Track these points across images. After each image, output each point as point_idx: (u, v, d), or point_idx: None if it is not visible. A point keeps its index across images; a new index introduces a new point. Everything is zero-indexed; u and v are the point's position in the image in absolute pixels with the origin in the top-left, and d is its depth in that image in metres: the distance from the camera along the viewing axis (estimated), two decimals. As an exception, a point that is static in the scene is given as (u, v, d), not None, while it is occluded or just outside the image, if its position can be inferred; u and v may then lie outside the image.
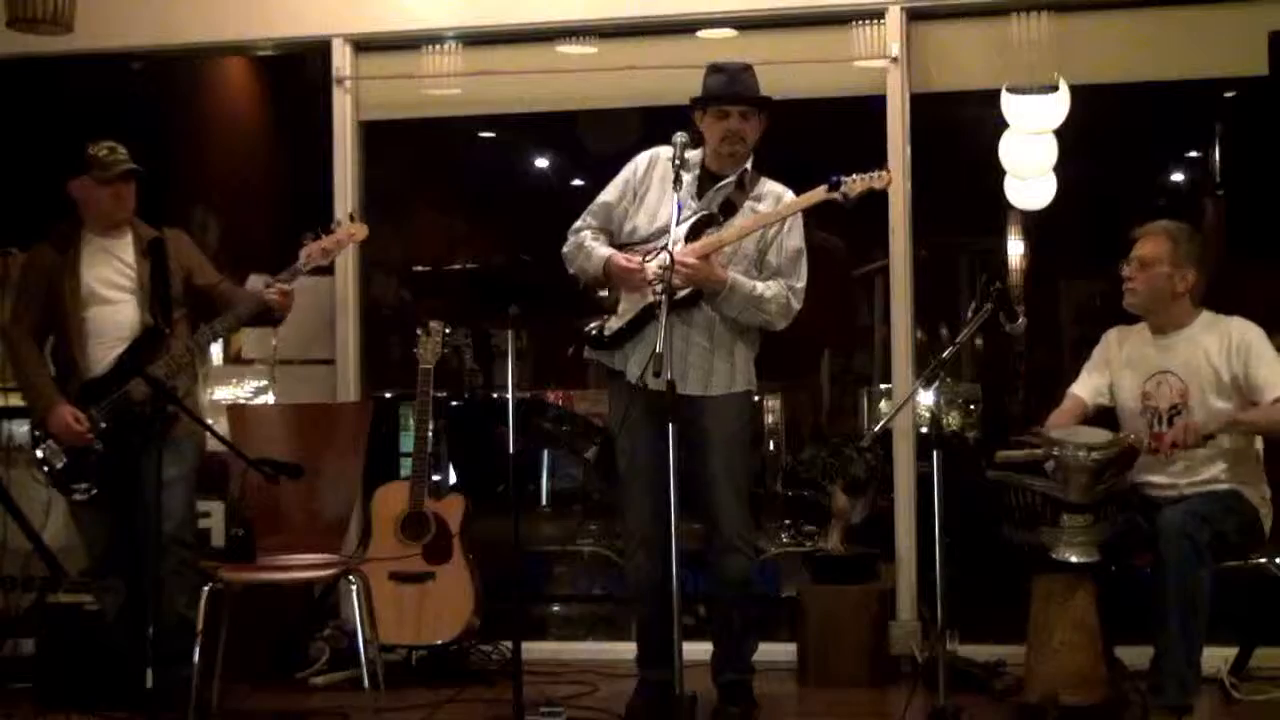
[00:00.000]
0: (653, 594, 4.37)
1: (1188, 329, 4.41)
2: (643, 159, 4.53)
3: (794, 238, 4.41)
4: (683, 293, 4.25)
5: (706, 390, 4.35)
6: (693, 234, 4.29)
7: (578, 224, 4.53)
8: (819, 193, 4.20)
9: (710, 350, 4.36)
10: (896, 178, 5.37)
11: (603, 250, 4.41)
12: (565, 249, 4.52)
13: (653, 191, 4.45)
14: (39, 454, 4.69)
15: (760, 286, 4.32)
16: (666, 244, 4.09)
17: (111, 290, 4.76)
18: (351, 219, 4.90)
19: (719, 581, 4.43)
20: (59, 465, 4.66)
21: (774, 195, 4.43)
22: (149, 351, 4.69)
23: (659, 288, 4.06)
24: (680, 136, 4.26)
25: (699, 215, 4.33)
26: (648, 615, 4.46)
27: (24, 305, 4.81)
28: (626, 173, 4.53)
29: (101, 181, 4.73)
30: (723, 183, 4.38)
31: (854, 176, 4.19)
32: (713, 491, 4.36)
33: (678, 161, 4.20)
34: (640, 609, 4.52)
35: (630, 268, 4.31)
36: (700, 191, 4.39)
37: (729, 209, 4.38)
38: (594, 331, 4.42)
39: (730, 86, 4.36)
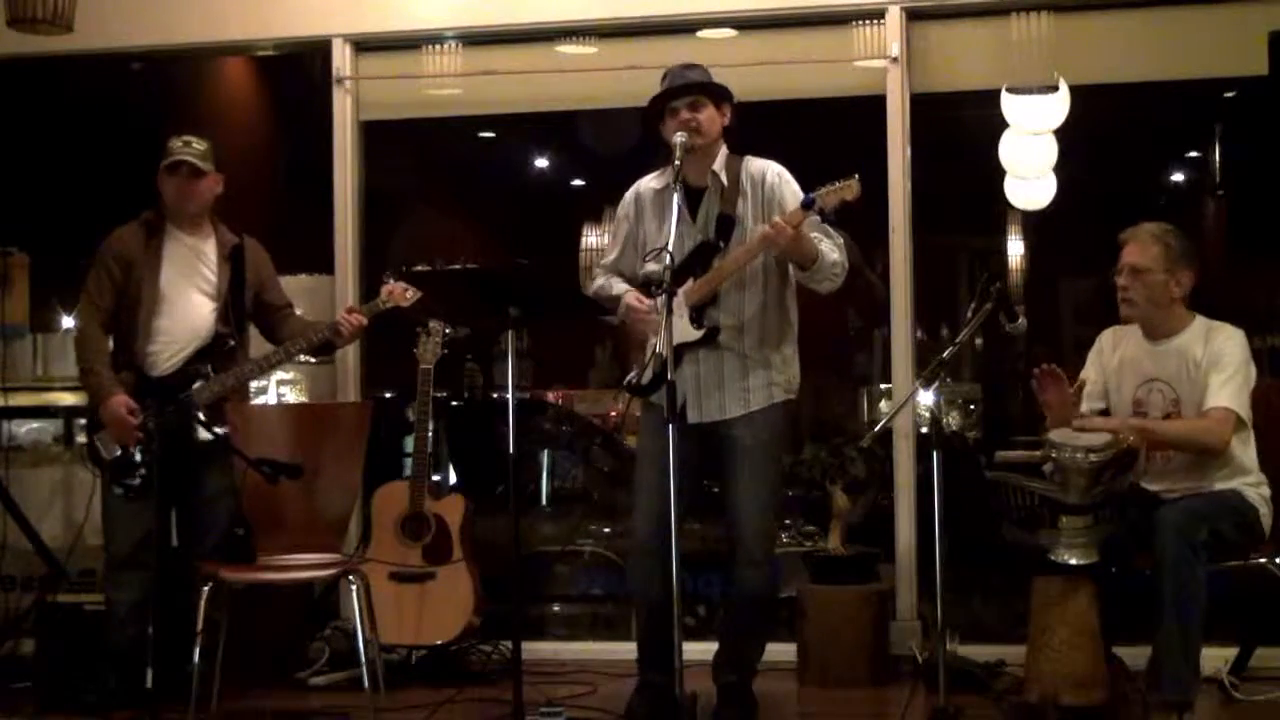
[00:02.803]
0: (655, 594, 4.38)
1: (1179, 337, 4.38)
2: (627, 201, 4.52)
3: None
4: (699, 333, 4.28)
5: (747, 409, 4.36)
6: (693, 261, 4.27)
7: (595, 274, 4.62)
8: (796, 214, 4.18)
9: (745, 372, 4.36)
10: (896, 177, 5.40)
11: (619, 285, 4.46)
12: (589, 292, 4.59)
13: (650, 231, 4.44)
14: (95, 443, 4.70)
15: (827, 251, 4.29)
16: (666, 245, 4.09)
17: (191, 291, 4.79)
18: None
19: (736, 591, 4.42)
20: (110, 456, 4.67)
21: (759, 177, 4.39)
22: (218, 361, 4.73)
23: (659, 289, 4.04)
24: (680, 136, 4.24)
25: (697, 244, 4.31)
26: (648, 616, 4.45)
27: (100, 291, 4.78)
28: (620, 226, 4.55)
29: (163, 170, 4.78)
30: (704, 201, 4.35)
31: (824, 190, 4.16)
32: (738, 500, 4.34)
33: (678, 162, 4.19)
34: (641, 609, 4.51)
35: (640, 310, 4.34)
36: (692, 211, 4.33)
37: (725, 226, 4.35)
38: (633, 381, 4.43)
39: (673, 82, 4.35)
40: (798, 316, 4.48)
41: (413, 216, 8.61)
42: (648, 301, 4.34)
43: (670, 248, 4.06)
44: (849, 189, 4.17)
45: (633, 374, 4.45)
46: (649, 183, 4.50)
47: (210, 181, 4.84)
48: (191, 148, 4.80)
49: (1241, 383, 4.28)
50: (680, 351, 4.26)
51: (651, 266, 4.36)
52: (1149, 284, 4.35)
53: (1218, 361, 4.29)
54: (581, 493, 7.14)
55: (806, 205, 4.18)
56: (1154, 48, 5.45)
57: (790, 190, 4.37)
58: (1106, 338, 4.56)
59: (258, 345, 4.99)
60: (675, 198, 4.15)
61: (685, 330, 4.28)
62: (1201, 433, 4.28)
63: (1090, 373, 4.55)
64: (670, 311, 3.99)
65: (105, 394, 4.65)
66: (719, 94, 4.37)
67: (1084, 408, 4.46)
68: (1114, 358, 4.50)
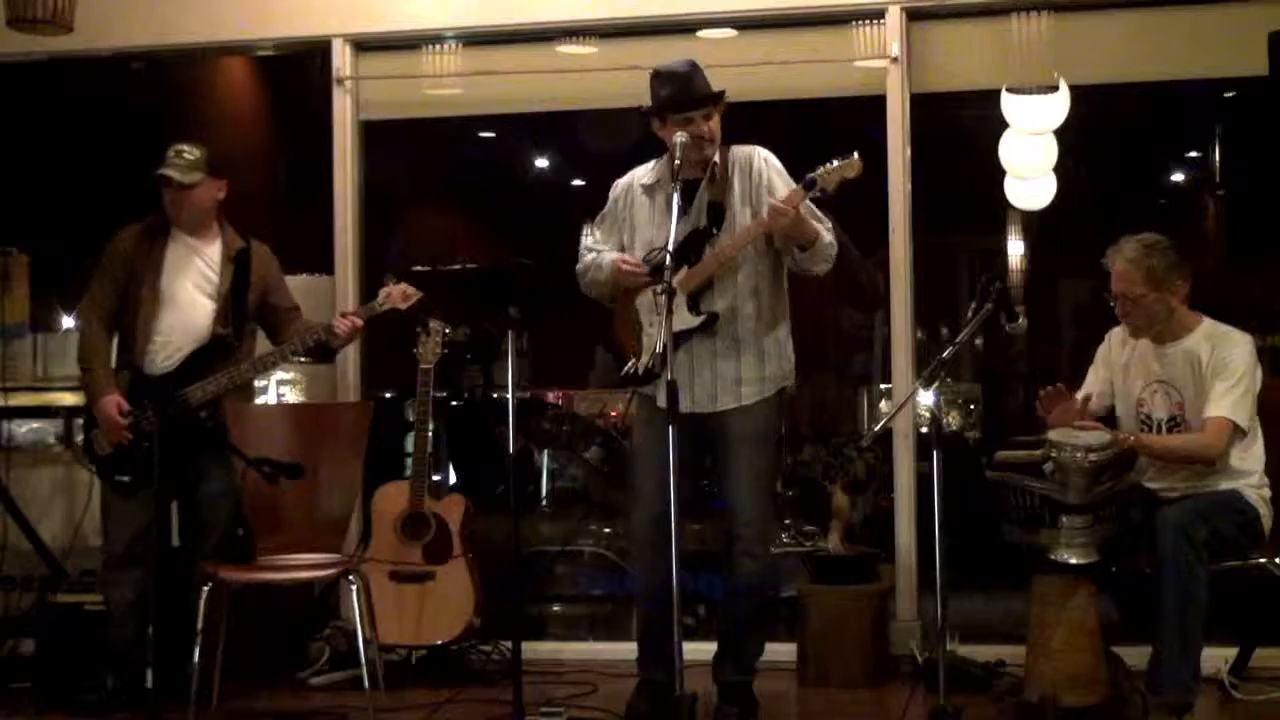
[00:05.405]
0: (660, 593, 4.37)
1: (1186, 340, 4.38)
2: (619, 191, 4.52)
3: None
4: (698, 320, 4.28)
5: (739, 402, 4.36)
6: (686, 249, 4.26)
7: (586, 244, 4.55)
8: (796, 194, 4.19)
9: (738, 360, 4.36)
10: (896, 178, 5.39)
11: (610, 255, 4.44)
12: (578, 267, 4.53)
13: (640, 220, 4.44)
14: (91, 440, 4.73)
15: (824, 232, 4.30)
16: (667, 244, 4.09)
17: (191, 292, 4.81)
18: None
19: (731, 582, 4.42)
20: (104, 453, 4.71)
21: (745, 164, 4.39)
22: (216, 361, 4.74)
23: (659, 288, 4.04)
24: (680, 136, 4.23)
25: (689, 231, 4.30)
26: (651, 615, 4.44)
27: (103, 291, 4.81)
28: (609, 214, 4.54)
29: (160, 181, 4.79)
30: (698, 191, 4.34)
31: (824, 169, 4.17)
32: (734, 492, 4.35)
33: (678, 163, 4.19)
34: (645, 608, 4.51)
35: (633, 270, 4.34)
36: (687, 203, 4.30)
37: (716, 213, 4.35)
38: (630, 371, 4.42)
39: (686, 91, 4.32)
40: (789, 303, 4.47)
41: (413, 216, 8.62)
42: (636, 261, 4.34)
43: (671, 247, 4.06)
44: (850, 166, 4.19)
45: (630, 365, 4.43)
46: (641, 177, 4.49)
47: (205, 189, 4.82)
48: (182, 158, 4.79)
49: (1244, 391, 4.28)
50: (677, 339, 4.25)
51: (636, 253, 4.39)
52: (1144, 306, 4.36)
53: (1223, 369, 4.29)
54: (581, 493, 7.15)
55: (808, 186, 4.19)
56: (1154, 48, 5.45)
57: (777, 172, 4.39)
58: (1115, 335, 4.57)
59: (263, 347, 4.99)
60: (675, 199, 4.15)
61: (684, 318, 4.28)
62: (1196, 447, 4.30)
63: (1098, 370, 4.57)
64: (671, 311, 3.99)
65: (99, 393, 4.71)
66: (720, 98, 4.36)
67: (1093, 404, 4.47)
68: (1122, 355, 4.52)
